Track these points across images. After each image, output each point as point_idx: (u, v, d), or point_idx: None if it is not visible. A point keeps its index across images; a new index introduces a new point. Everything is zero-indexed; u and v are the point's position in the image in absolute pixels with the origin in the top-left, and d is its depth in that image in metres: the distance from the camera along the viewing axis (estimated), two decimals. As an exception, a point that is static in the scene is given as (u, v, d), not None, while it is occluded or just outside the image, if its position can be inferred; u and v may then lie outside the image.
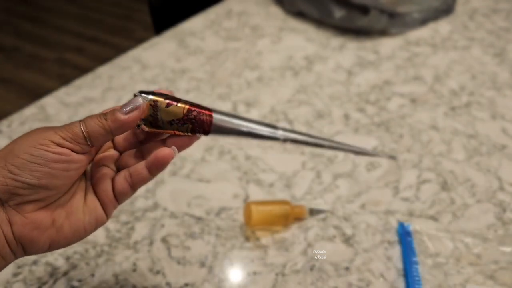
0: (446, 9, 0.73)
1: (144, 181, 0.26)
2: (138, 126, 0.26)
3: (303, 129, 0.50)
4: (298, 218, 0.39)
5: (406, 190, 0.43)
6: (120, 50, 0.79)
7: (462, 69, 0.61)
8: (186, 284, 0.35)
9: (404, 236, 0.38)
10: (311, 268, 0.36)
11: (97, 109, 0.54)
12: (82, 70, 0.68)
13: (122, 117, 0.24)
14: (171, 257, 0.37)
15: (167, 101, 0.25)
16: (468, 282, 0.34)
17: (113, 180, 0.26)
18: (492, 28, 0.70)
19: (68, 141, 0.23)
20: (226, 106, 0.54)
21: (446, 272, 0.35)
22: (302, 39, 0.68)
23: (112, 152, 0.27)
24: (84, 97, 0.56)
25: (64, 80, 0.70)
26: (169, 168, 0.45)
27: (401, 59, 0.63)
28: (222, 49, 0.66)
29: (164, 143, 0.26)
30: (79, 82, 0.59)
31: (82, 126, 0.23)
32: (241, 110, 0.54)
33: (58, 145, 0.23)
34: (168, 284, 0.35)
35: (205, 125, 0.26)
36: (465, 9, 0.76)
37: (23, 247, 0.23)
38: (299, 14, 0.74)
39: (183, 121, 0.26)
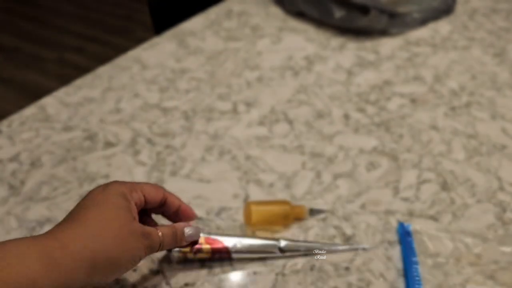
0: (446, 9, 0.73)
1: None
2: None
3: (303, 129, 0.50)
4: (298, 218, 0.39)
5: (406, 190, 0.43)
6: (120, 50, 0.79)
7: (462, 69, 0.61)
8: (186, 284, 0.35)
9: (404, 236, 0.38)
10: (311, 268, 0.36)
11: (97, 109, 0.54)
12: (82, 70, 0.68)
13: (183, 243, 0.33)
14: (171, 257, 0.37)
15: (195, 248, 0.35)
16: (468, 282, 0.35)
17: None
18: (492, 28, 0.70)
19: (148, 254, 0.29)
20: (226, 106, 0.54)
21: (446, 272, 0.35)
22: (302, 39, 0.68)
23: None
24: (84, 97, 0.56)
25: (64, 80, 0.70)
26: (169, 168, 0.46)
27: (401, 59, 0.63)
28: (222, 49, 0.66)
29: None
30: (79, 82, 0.59)
31: (161, 240, 0.30)
32: (241, 110, 0.54)
33: (140, 259, 0.29)
34: (168, 284, 0.35)
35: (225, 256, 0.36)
36: (465, 9, 0.76)
37: None
38: (299, 14, 0.74)
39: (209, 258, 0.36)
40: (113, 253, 0.26)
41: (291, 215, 0.38)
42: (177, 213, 0.34)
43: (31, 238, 0.24)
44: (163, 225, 0.32)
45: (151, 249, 0.29)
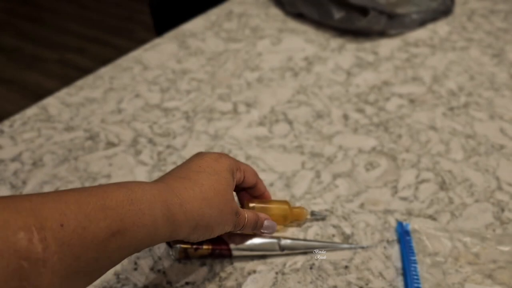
0: (444, 10, 0.74)
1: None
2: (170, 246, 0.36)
3: (302, 129, 0.51)
4: (298, 220, 0.39)
5: (404, 190, 0.43)
6: (121, 51, 0.79)
7: (460, 70, 0.61)
8: (187, 283, 0.35)
9: (403, 235, 0.38)
10: (311, 267, 0.36)
11: (99, 109, 0.54)
12: (84, 71, 0.69)
13: (259, 232, 0.35)
14: (172, 256, 0.37)
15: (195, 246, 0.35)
16: (466, 281, 0.35)
17: None
18: (491, 29, 0.71)
19: (232, 230, 0.31)
20: (226, 107, 0.55)
21: (445, 271, 0.35)
22: (301, 40, 0.68)
23: None
24: (85, 97, 0.57)
25: (66, 80, 0.71)
26: (170, 168, 0.46)
27: (400, 60, 0.64)
28: (223, 50, 0.66)
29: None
30: (80, 82, 0.59)
31: (245, 222, 0.32)
32: (242, 111, 0.54)
33: (225, 232, 0.31)
34: (169, 283, 0.35)
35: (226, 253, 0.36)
36: (463, 10, 0.77)
37: None
38: (299, 16, 0.74)
39: (210, 254, 0.36)
40: (213, 222, 0.29)
41: (290, 216, 0.38)
42: (257, 198, 0.37)
43: (153, 185, 0.27)
44: (248, 210, 0.34)
45: (235, 227, 0.31)
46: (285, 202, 0.39)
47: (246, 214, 0.32)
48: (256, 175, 0.36)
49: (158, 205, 0.26)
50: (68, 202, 0.22)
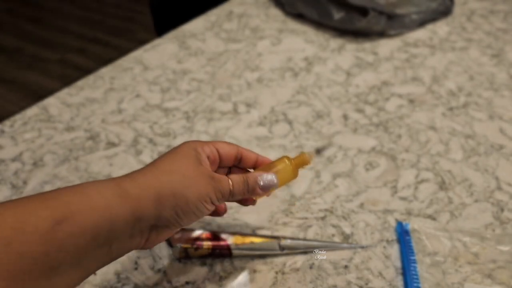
0: (444, 11, 0.74)
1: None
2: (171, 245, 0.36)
3: (302, 129, 0.51)
4: (304, 166, 0.34)
5: (404, 190, 0.43)
6: (121, 51, 0.80)
7: (460, 70, 0.61)
8: (187, 282, 0.35)
9: (403, 235, 0.38)
10: (311, 267, 0.36)
11: (99, 109, 0.55)
12: (84, 71, 0.69)
13: (258, 191, 0.30)
14: (172, 256, 0.37)
15: (196, 245, 0.36)
16: (466, 280, 0.35)
17: None
18: (490, 29, 0.71)
19: (220, 199, 0.28)
20: (226, 107, 0.55)
21: (444, 270, 0.36)
22: (301, 41, 0.69)
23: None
24: (86, 97, 0.57)
25: (66, 81, 0.71)
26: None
27: (400, 60, 0.64)
28: (223, 51, 0.66)
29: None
30: (81, 83, 0.60)
31: (231, 186, 0.29)
32: (242, 111, 0.54)
33: (213, 203, 0.28)
34: (169, 282, 0.35)
35: (226, 252, 0.36)
36: (463, 10, 0.77)
37: None
38: (299, 16, 0.74)
39: (210, 254, 0.36)
40: (179, 189, 0.26)
41: (294, 169, 0.33)
42: (256, 167, 0.33)
43: (107, 179, 0.26)
44: (232, 174, 0.30)
45: (221, 194, 0.28)
46: (282, 158, 0.34)
47: (230, 177, 0.29)
48: (234, 145, 0.32)
49: (107, 187, 0.24)
50: (6, 204, 0.21)
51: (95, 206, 0.23)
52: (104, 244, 0.24)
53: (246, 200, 0.33)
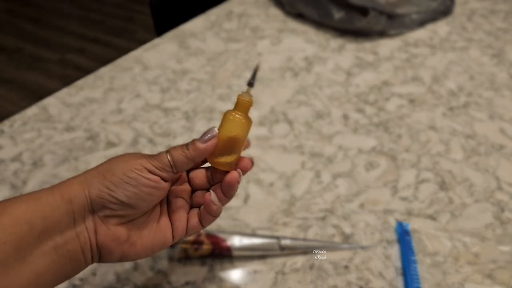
0: (444, 11, 0.74)
1: (211, 214, 0.28)
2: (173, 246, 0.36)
3: (302, 129, 0.51)
4: (247, 107, 0.29)
5: (404, 190, 0.43)
6: (121, 51, 0.79)
7: (460, 70, 0.61)
8: (187, 283, 0.35)
9: (403, 235, 0.38)
10: (311, 267, 0.36)
11: (99, 109, 0.54)
12: (84, 71, 0.69)
13: (201, 146, 0.27)
14: (172, 256, 0.37)
15: (195, 246, 0.36)
16: (466, 281, 0.35)
17: (188, 214, 0.29)
18: (490, 29, 0.71)
19: (158, 169, 0.27)
20: (226, 107, 0.55)
21: (445, 271, 0.36)
22: (301, 41, 0.68)
23: (188, 187, 0.30)
24: (86, 97, 0.57)
25: (66, 80, 0.71)
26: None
27: (400, 60, 0.64)
28: (223, 50, 0.66)
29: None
30: (80, 82, 0.59)
31: (169, 157, 0.27)
32: (241, 111, 0.54)
33: (150, 171, 0.26)
34: (169, 282, 0.35)
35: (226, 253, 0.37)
36: (463, 10, 0.77)
37: (100, 254, 0.26)
38: (299, 16, 0.74)
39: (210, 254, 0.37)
40: (105, 166, 0.26)
41: (242, 115, 0.28)
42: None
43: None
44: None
45: (158, 162, 0.26)
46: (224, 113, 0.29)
47: (168, 151, 0.27)
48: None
49: (42, 189, 0.25)
50: None
51: (25, 199, 0.24)
52: (44, 234, 0.24)
53: (216, 173, 0.30)
